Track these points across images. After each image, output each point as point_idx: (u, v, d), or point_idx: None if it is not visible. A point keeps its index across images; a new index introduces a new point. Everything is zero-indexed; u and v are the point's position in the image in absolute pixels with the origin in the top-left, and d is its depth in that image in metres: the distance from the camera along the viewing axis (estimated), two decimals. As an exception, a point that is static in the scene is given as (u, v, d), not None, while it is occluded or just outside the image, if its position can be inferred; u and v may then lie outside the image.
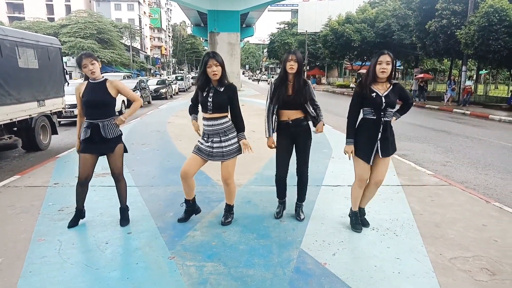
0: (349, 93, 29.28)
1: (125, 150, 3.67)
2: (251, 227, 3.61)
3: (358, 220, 3.58)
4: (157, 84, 24.63)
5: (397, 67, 42.13)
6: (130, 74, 32.19)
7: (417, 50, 24.77)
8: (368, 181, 3.45)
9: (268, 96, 3.61)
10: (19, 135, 7.26)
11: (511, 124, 13.36)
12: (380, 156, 3.31)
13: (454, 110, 17.63)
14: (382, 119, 3.23)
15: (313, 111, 3.56)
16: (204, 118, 3.43)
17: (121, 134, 3.61)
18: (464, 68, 20.74)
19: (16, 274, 2.75)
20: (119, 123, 3.52)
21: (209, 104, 3.34)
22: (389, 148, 3.32)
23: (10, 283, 2.64)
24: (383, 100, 3.18)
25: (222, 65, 3.33)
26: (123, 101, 15.05)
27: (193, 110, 3.67)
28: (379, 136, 3.26)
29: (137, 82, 19.06)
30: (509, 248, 3.23)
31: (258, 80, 62.25)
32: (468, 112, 16.53)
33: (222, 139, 3.41)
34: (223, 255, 3.05)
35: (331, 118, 7.71)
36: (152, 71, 65.40)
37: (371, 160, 3.32)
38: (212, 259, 2.98)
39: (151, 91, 21.62)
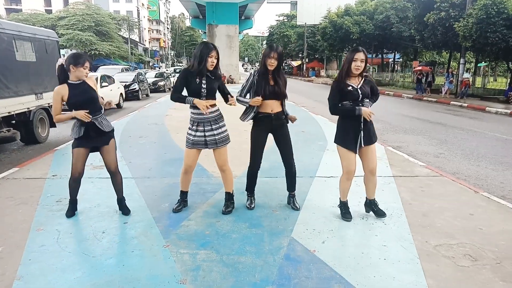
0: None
1: None
2: (244, 217, 3.71)
3: (347, 210, 3.70)
4: (155, 77, 24.63)
5: (396, 60, 42.11)
6: (129, 66, 32.18)
7: (416, 42, 24.74)
8: (354, 173, 3.56)
9: (245, 86, 3.67)
10: (18, 128, 7.34)
11: (507, 117, 13.45)
12: (363, 145, 3.44)
13: (452, 102, 17.70)
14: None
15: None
16: (193, 107, 3.50)
17: (113, 129, 3.70)
18: (462, 60, 20.76)
19: (16, 262, 2.85)
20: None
21: (203, 90, 3.44)
22: (371, 136, 3.48)
23: (11, 270, 2.74)
24: (359, 92, 3.36)
25: (218, 56, 3.48)
26: (121, 94, 15.10)
27: (182, 97, 3.56)
28: (361, 126, 3.40)
29: (135, 75, 19.08)
30: (493, 236, 3.34)
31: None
32: (465, 105, 16.61)
33: (213, 127, 3.54)
34: (216, 243, 3.16)
35: (327, 110, 7.80)
36: (150, 64, 65.22)
37: (357, 150, 3.43)
38: (205, 247, 3.08)
39: (149, 84, 21.64)
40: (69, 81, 3.45)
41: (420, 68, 28.03)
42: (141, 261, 2.88)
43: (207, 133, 3.53)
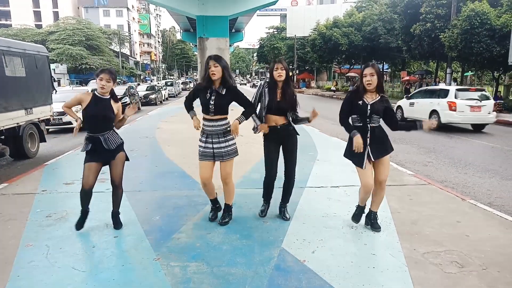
0: (338, 97, 29.64)
1: (127, 159, 3.82)
2: (235, 228, 3.73)
3: (360, 214, 3.74)
4: (146, 90, 24.67)
5: (384, 70, 42.75)
6: (120, 80, 32.17)
7: (403, 53, 25.23)
8: (372, 186, 3.53)
9: (255, 97, 3.72)
10: (7, 143, 7.28)
11: (494, 125, 13.68)
12: (373, 159, 3.47)
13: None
14: (369, 125, 3.42)
15: (292, 117, 3.73)
16: (205, 119, 3.57)
17: (123, 142, 3.76)
18: (449, 70, 21.18)
19: (5, 279, 2.83)
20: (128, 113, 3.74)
21: (211, 106, 3.48)
22: (381, 150, 3.48)
23: (-1, 287, 2.72)
24: (368, 108, 3.38)
25: (223, 67, 3.44)
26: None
27: (190, 107, 3.73)
28: (368, 141, 3.43)
29: (126, 89, 19.11)
30: (479, 243, 3.41)
31: (254, 85, 62.34)
32: None
33: (220, 139, 3.57)
34: (207, 255, 3.17)
35: (318, 121, 7.90)
36: (142, 77, 65.26)
37: (364, 165, 3.45)
38: (196, 259, 3.09)
39: (140, 97, 21.65)
40: (96, 92, 3.54)
41: (408, 78, 28.51)
42: (131, 274, 2.88)
43: (215, 145, 3.57)
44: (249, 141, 8.00)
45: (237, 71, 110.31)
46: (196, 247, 3.33)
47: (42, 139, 8.40)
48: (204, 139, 3.61)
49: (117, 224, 3.77)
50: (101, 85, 3.47)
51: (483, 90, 12.62)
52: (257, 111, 3.79)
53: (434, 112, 11.81)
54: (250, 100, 3.71)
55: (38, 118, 8.13)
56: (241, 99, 3.60)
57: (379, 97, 3.44)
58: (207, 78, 3.47)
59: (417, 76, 31.29)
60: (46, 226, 3.80)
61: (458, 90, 11.84)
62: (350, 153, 3.53)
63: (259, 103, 3.77)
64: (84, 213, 3.71)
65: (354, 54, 34.99)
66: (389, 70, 42.34)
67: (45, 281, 2.80)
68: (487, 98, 11.69)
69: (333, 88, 35.59)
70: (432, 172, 6.52)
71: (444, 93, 11.90)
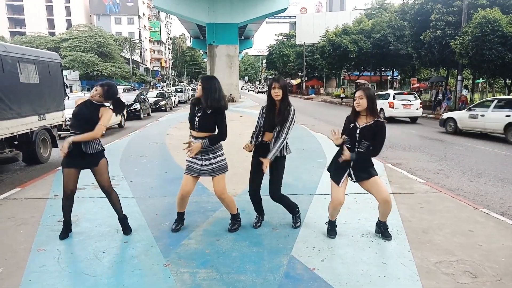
0: (347, 103, 29.53)
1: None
2: (244, 235, 3.72)
3: (333, 228, 3.73)
4: (156, 96, 24.89)
5: (394, 77, 42.54)
6: (130, 86, 32.54)
7: (413, 60, 25.07)
8: (340, 204, 3.52)
9: (258, 123, 3.73)
10: (20, 149, 7.41)
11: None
12: (354, 180, 3.49)
13: (450, 119, 17.78)
14: (356, 149, 3.41)
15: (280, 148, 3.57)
16: (192, 136, 3.58)
17: (103, 149, 3.73)
18: (459, 77, 21.00)
19: (17, 283, 2.86)
20: (64, 145, 3.47)
21: (195, 123, 3.50)
22: (362, 175, 3.47)
23: (11, 290, 2.75)
24: (357, 132, 3.37)
25: (206, 87, 3.41)
26: (123, 113, 15.24)
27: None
28: (351, 164, 3.45)
29: (137, 95, 19.30)
30: (492, 252, 3.34)
31: (263, 92, 62.50)
32: (433, 116, 16.80)
33: (210, 156, 3.57)
34: (216, 262, 3.17)
35: (327, 128, 7.89)
36: (152, 83, 65.94)
37: (341, 183, 3.48)
38: (205, 266, 3.09)
39: (150, 103, 21.85)
40: (91, 98, 3.60)
41: (418, 85, 28.31)
42: (141, 280, 2.89)
43: (204, 162, 3.57)
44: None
45: (246, 77, 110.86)
46: (205, 253, 3.33)
47: (54, 145, 8.52)
48: (194, 155, 3.58)
49: (126, 229, 3.79)
50: (92, 94, 3.57)
51: (413, 93, 17.91)
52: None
53: (381, 110, 14.52)
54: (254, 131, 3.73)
55: (51, 124, 8.26)
56: (220, 124, 3.53)
57: (373, 121, 3.36)
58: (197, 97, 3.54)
59: (426, 83, 31.00)
60: (58, 231, 3.83)
61: (395, 94, 17.04)
62: (331, 169, 3.61)
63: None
64: (67, 223, 3.73)
65: (363, 61, 34.91)
66: (399, 77, 42.16)
67: (56, 285, 2.82)
68: (416, 99, 16.72)
69: (342, 95, 35.50)
70: (443, 180, 6.44)
71: (386, 96, 16.83)
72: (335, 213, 3.66)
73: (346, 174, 3.49)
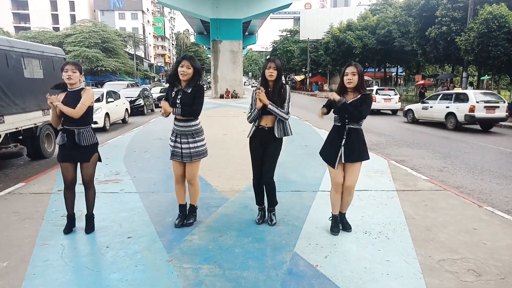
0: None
1: (99, 159, 3.76)
2: (247, 231, 3.72)
3: (337, 224, 3.70)
4: (160, 92, 24.90)
5: (399, 74, 42.30)
6: (134, 82, 32.57)
7: (418, 56, 24.93)
8: (341, 185, 3.55)
9: (252, 104, 3.70)
10: (24, 143, 7.44)
11: (511, 130, 13.41)
12: (343, 162, 3.45)
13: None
14: (347, 126, 3.40)
15: (281, 113, 3.56)
16: (175, 119, 3.60)
17: (97, 143, 3.70)
18: (465, 74, 20.82)
19: (21, 277, 2.88)
20: (51, 100, 3.41)
21: (177, 105, 3.50)
22: (354, 154, 3.42)
23: (15, 285, 2.77)
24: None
25: (195, 69, 3.47)
26: (127, 109, 15.26)
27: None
28: (343, 141, 3.41)
29: (140, 91, 19.33)
30: (497, 251, 3.32)
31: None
32: None
33: (189, 140, 3.60)
34: (219, 258, 3.17)
35: (331, 125, 7.94)
36: (156, 79, 65.98)
37: (336, 165, 3.45)
38: (208, 262, 3.10)
39: (154, 99, 21.86)
40: (68, 89, 3.53)
41: (422, 82, 28.14)
42: (144, 275, 2.90)
43: (183, 145, 3.60)
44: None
45: (250, 73, 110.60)
46: (208, 249, 3.33)
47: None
48: (174, 139, 3.64)
49: (89, 228, 3.70)
50: (68, 76, 3.44)
51: (394, 89, 20.27)
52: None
53: None
54: (248, 113, 3.71)
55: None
56: (196, 101, 3.54)
57: (359, 95, 3.38)
58: (176, 77, 3.51)
59: (431, 79, 30.73)
60: (61, 225, 3.85)
61: (378, 89, 19.07)
62: (324, 152, 3.59)
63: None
64: (71, 218, 3.73)
65: (367, 57, 34.75)
66: (404, 73, 41.91)
67: (60, 280, 2.84)
68: (395, 94, 19.01)
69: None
70: (447, 177, 6.41)
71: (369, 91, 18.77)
72: (337, 201, 3.61)
73: (339, 155, 3.43)
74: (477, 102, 12.36)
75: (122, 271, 2.97)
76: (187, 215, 3.91)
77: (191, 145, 3.61)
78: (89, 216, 3.77)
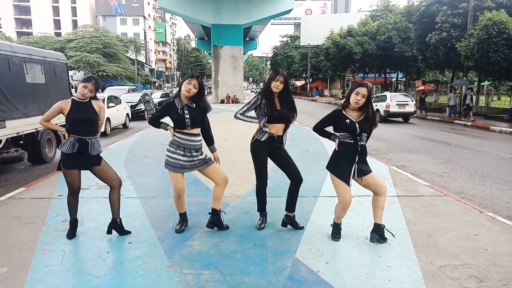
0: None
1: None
2: (248, 237, 3.72)
3: (338, 230, 3.69)
4: (161, 97, 24.92)
5: (399, 79, 42.37)
6: (135, 87, 32.66)
7: (418, 62, 24.99)
8: (350, 204, 3.50)
9: (246, 106, 3.74)
10: (25, 148, 7.46)
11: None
12: (356, 177, 3.47)
13: (455, 121, 17.71)
14: (359, 143, 3.41)
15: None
16: (181, 133, 3.60)
17: (101, 151, 3.76)
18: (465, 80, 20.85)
19: (21, 282, 2.87)
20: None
21: (187, 121, 3.55)
22: (364, 170, 3.48)
23: (15, 290, 2.76)
24: (357, 126, 3.38)
25: (201, 89, 3.58)
26: (128, 114, 15.29)
27: (158, 123, 3.75)
28: (356, 159, 3.43)
29: (141, 95, 19.37)
30: (498, 257, 3.31)
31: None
32: (469, 124, 16.60)
33: (199, 152, 3.66)
34: (220, 263, 3.16)
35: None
36: (156, 84, 66.13)
37: (350, 182, 3.45)
38: (209, 267, 3.09)
39: (155, 104, 21.89)
40: (74, 98, 3.59)
41: (423, 87, 28.18)
42: (145, 281, 2.89)
43: (195, 158, 3.63)
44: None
45: (250, 79, 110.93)
46: (209, 254, 3.33)
47: (59, 145, 8.55)
48: (182, 152, 3.60)
49: (122, 231, 3.77)
50: (83, 93, 3.52)
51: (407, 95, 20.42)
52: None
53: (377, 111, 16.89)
54: (240, 109, 3.81)
55: (56, 124, 8.28)
56: (204, 119, 3.74)
57: (363, 115, 3.43)
58: (179, 94, 3.61)
59: (432, 85, 30.68)
60: (62, 231, 3.85)
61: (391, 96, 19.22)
62: (337, 169, 3.48)
63: (251, 112, 3.78)
64: (74, 222, 3.74)
65: (368, 63, 34.86)
66: (404, 79, 42.00)
67: (60, 285, 2.83)
68: (412, 101, 18.42)
69: (341, 96, 35.51)
70: (448, 183, 6.40)
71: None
72: (342, 215, 3.62)
73: (352, 172, 3.44)
74: (391, 101, 17.25)
75: (122, 276, 2.96)
76: (213, 221, 3.86)
77: (202, 156, 3.67)
78: (120, 220, 3.78)
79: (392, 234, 3.67)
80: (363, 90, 3.33)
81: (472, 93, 19.82)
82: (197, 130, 3.63)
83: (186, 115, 3.54)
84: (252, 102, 3.76)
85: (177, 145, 3.62)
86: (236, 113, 3.84)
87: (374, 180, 3.53)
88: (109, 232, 3.75)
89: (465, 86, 20.15)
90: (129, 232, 3.79)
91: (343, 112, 3.46)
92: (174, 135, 3.64)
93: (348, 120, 3.41)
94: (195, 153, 3.63)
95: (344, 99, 3.54)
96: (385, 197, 3.58)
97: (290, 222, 3.91)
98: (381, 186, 3.53)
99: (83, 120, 3.54)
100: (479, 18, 17.68)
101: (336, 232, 3.69)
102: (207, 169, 3.70)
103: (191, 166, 3.64)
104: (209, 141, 3.81)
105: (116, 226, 3.76)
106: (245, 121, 3.83)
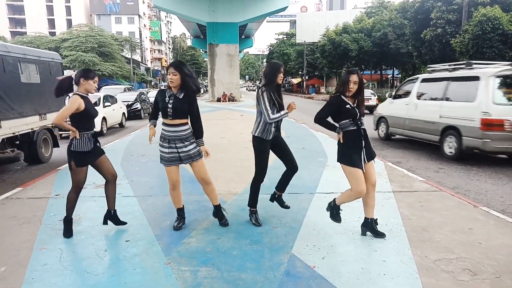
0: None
1: None
2: (245, 234, 3.74)
3: (339, 212, 3.72)
4: (157, 96, 24.87)
5: (395, 76, 42.48)
6: (131, 86, 32.55)
7: (414, 58, 25.10)
8: (364, 192, 3.50)
9: (269, 106, 3.71)
10: (21, 148, 7.44)
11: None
12: (366, 162, 3.50)
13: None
14: (361, 127, 3.46)
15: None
16: (165, 124, 3.63)
17: None
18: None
19: (19, 281, 2.88)
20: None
21: (168, 110, 3.54)
22: (371, 153, 3.55)
23: (14, 289, 2.78)
24: (357, 111, 3.45)
25: (182, 73, 3.47)
26: (124, 113, 15.26)
27: (153, 116, 3.90)
28: (363, 143, 3.47)
29: (137, 95, 19.33)
30: (492, 250, 3.36)
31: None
32: None
33: (185, 143, 3.61)
34: (217, 260, 3.19)
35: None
36: (152, 83, 65.94)
37: (363, 168, 3.47)
38: (206, 264, 3.11)
39: (151, 103, 21.85)
40: (79, 93, 3.56)
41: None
42: (142, 278, 2.91)
43: (179, 149, 3.61)
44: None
45: (247, 77, 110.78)
46: (206, 252, 3.35)
47: (55, 144, 8.54)
48: (167, 144, 3.61)
49: (118, 222, 3.86)
50: (95, 87, 3.64)
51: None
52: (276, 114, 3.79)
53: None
54: (269, 112, 3.67)
55: (52, 124, 8.27)
56: (192, 109, 3.61)
57: (356, 100, 3.50)
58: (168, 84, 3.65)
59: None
60: (60, 230, 3.86)
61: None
62: (349, 158, 3.44)
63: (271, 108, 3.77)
64: (70, 221, 3.75)
65: (364, 60, 34.95)
66: (400, 75, 42.12)
67: (59, 284, 2.85)
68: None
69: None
70: (443, 178, 6.45)
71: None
72: (347, 201, 3.64)
73: (362, 158, 3.47)
74: None
75: (120, 274, 2.98)
76: (218, 216, 3.93)
77: (188, 148, 3.62)
78: (114, 211, 3.86)
79: (378, 234, 3.68)
80: (355, 78, 3.39)
81: None
82: (180, 120, 3.56)
83: (169, 104, 3.53)
84: (268, 98, 3.73)
85: (163, 137, 3.66)
86: (270, 118, 3.69)
87: (372, 169, 3.57)
88: (105, 223, 3.83)
89: None
90: (125, 223, 3.85)
91: (342, 97, 3.47)
92: (162, 128, 3.64)
93: (348, 106, 3.44)
94: (179, 144, 3.58)
95: (339, 87, 3.53)
96: (375, 189, 3.64)
97: (277, 199, 4.15)
98: (374, 176, 3.59)
99: (95, 114, 3.67)
100: (473, 14, 17.79)
101: (337, 214, 3.69)
102: (193, 165, 3.70)
103: (176, 159, 3.63)
104: (197, 133, 3.67)
105: (111, 217, 3.84)
106: (280, 118, 3.77)
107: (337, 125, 3.52)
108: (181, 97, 3.55)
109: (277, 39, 64.32)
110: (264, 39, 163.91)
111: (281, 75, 3.74)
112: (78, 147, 3.53)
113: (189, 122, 3.67)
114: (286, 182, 4.03)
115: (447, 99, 8.02)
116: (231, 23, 28.16)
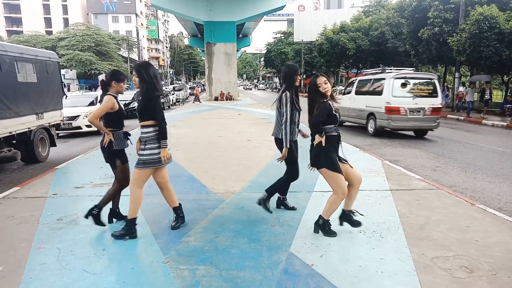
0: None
1: None
2: (243, 232, 3.75)
3: (329, 227, 3.70)
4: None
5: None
6: (128, 85, 32.46)
7: (411, 57, 25.11)
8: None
9: (289, 109, 3.98)
10: (18, 148, 7.41)
11: (504, 129, 13.59)
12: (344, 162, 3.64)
13: (448, 116, 17.86)
14: (338, 132, 3.62)
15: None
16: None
17: None
18: (457, 74, 21.05)
19: (17, 280, 2.88)
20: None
21: (136, 112, 3.68)
22: (341, 157, 3.64)
23: (12, 288, 2.77)
24: (338, 116, 3.60)
25: (140, 77, 3.45)
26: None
27: None
28: (339, 148, 3.61)
29: (135, 94, 19.28)
30: (488, 247, 3.38)
31: (264, 89, 69.12)
32: (462, 118, 16.76)
33: (145, 145, 3.60)
34: (215, 258, 3.19)
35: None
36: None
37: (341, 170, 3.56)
38: (205, 263, 3.12)
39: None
40: (112, 94, 3.74)
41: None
42: (141, 277, 2.91)
43: (141, 152, 3.69)
44: (257, 145, 8.02)
45: (244, 76, 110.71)
46: (204, 250, 3.35)
47: (53, 144, 8.52)
48: (143, 146, 3.65)
49: (123, 216, 3.95)
50: (124, 88, 3.83)
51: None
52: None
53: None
54: (287, 118, 3.96)
55: (49, 123, 8.25)
56: (151, 112, 3.51)
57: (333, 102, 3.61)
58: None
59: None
60: (57, 229, 3.86)
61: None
62: (332, 163, 3.46)
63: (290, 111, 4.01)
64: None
65: (361, 59, 34.93)
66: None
67: (57, 283, 2.85)
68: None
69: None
70: (440, 176, 6.48)
71: None
72: (335, 210, 3.64)
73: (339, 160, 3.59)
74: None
75: (118, 273, 2.98)
76: (174, 219, 3.92)
77: (141, 152, 3.60)
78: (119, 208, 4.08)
79: (354, 224, 3.72)
80: (321, 79, 3.51)
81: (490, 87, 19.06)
82: (143, 122, 3.57)
83: (137, 107, 3.65)
84: (288, 101, 3.95)
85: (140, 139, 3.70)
86: (287, 122, 3.99)
87: (351, 168, 3.64)
88: (110, 221, 3.97)
89: (483, 80, 19.97)
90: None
91: (330, 103, 3.53)
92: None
93: (335, 111, 3.53)
94: (142, 147, 3.62)
95: (319, 95, 3.54)
96: (360, 184, 3.70)
97: (282, 203, 4.43)
98: (358, 172, 3.69)
99: (125, 114, 3.90)
100: (470, 13, 17.80)
101: (329, 229, 3.68)
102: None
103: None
104: (160, 134, 3.53)
105: (117, 214, 4.05)
106: (285, 135, 4.13)
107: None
108: (140, 98, 3.61)
109: (274, 38, 64.18)
110: (261, 38, 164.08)
111: (299, 77, 3.93)
112: (120, 145, 3.81)
113: (151, 125, 3.55)
114: (286, 186, 4.30)
115: (370, 94, 11.53)
116: (229, 22, 28.13)
